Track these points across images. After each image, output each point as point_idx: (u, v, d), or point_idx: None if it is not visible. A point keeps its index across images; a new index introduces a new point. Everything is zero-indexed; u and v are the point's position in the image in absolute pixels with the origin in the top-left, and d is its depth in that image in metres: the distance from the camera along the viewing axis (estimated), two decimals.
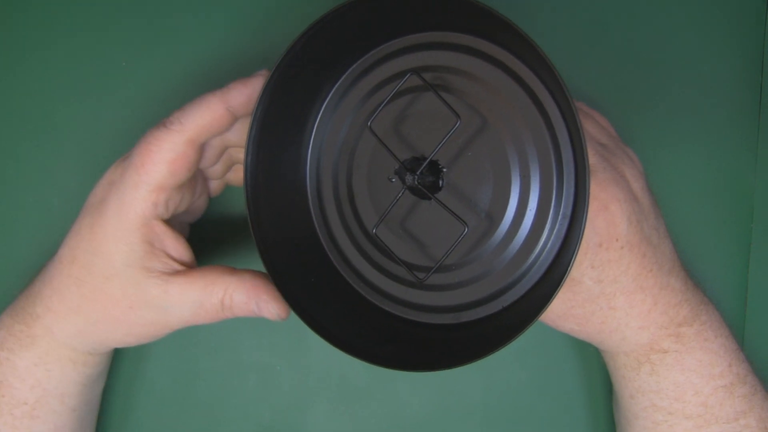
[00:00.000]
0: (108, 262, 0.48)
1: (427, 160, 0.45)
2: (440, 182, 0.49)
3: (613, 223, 0.49)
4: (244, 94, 0.47)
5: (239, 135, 0.51)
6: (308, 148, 0.52)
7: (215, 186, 0.57)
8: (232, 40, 0.61)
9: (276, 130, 0.48)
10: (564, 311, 0.52)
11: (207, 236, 0.60)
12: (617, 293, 0.50)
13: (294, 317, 0.58)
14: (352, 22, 0.45)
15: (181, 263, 0.49)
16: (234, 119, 0.48)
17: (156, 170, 0.47)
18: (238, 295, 0.48)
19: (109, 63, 0.62)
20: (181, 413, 0.62)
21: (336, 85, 0.51)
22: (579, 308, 0.51)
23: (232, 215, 0.60)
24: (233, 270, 0.49)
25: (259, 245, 0.47)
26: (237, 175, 0.56)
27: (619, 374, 0.55)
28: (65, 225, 0.52)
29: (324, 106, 0.51)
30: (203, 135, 0.47)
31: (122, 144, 0.60)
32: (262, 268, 0.47)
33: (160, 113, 0.60)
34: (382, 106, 0.46)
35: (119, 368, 0.62)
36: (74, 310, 0.50)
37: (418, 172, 0.46)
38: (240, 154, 0.54)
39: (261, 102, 0.45)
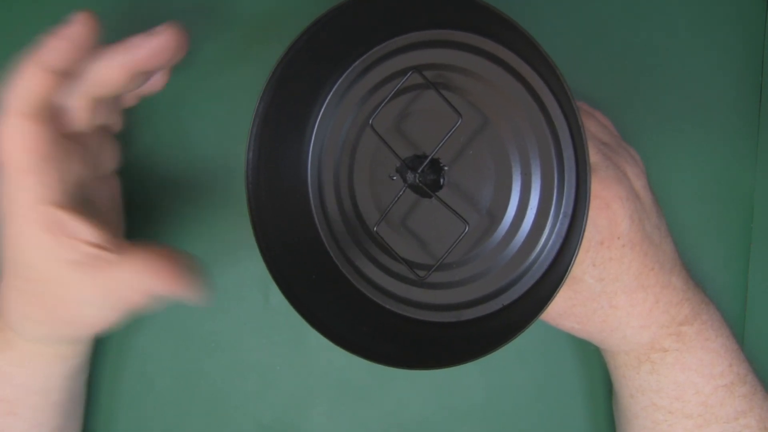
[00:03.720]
0: (29, 265, 0.46)
1: (429, 158, 0.45)
2: (441, 180, 0.49)
3: (614, 222, 0.49)
4: (58, 48, 0.44)
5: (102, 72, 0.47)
6: (309, 145, 0.52)
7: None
8: (233, 40, 0.61)
9: (277, 127, 0.48)
10: (565, 309, 0.52)
11: (207, 235, 0.60)
12: (618, 292, 0.50)
13: (294, 316, 0.58)
14: (354, 19, 0.45)
15: (98, 246, 0.46)
16: (65, 77, 0.45)
17: (14, 159, 0.44)
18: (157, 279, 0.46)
19: None
20: (181, 413, 0.62)
21: (337, 83, 0.51)
22: (580, 307, 0.51)
23: (233, 213, 0.60)
24: (147, 257, 0.46)
25: (260, 243, 0.47)
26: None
27: (620, 373, 0.55)
28: None
29: (325, 103, 0.51)
30: (38, 104, 0.44)
31: (122, 144, 0.60)
32: (263, 265, 0.46)
33: (159, 114, 0.60)
34: (384, 104, 0.47)
35: (119, 368, 0.62)
36: (26, 318, 0.49)
37: (419, 170, 0.46)
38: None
39: (263, 99, 0.45)
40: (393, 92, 0.46)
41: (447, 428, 0.62)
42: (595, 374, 0.61)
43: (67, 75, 0.45)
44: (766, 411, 0.53)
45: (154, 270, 0.45)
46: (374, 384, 0.62)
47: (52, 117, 0.45)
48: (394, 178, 0.50)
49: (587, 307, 0.51)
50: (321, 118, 0.51)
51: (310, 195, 0.52)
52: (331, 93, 0.51)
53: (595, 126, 0.54)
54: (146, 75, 0.49)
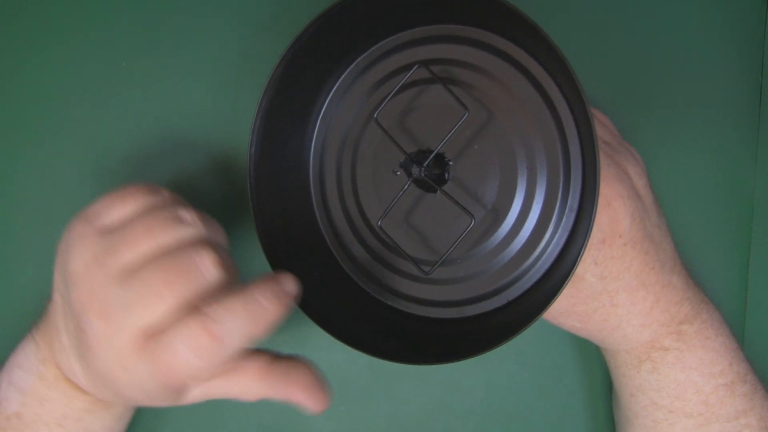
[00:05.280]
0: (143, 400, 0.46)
1: (434, 152, 0.45)
2: (446, 175, 0.49)
3: (616, 220, 0.49)
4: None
5: None
6: (312, 140, 0.52)
7: None
8: (233, 40, 0.61)
9: (280, 121, 0.48)
10: (566, 308, 0.52)
11: None
12: (620, 290, 0.50)
13: (295, 314, 0.58)
14: (360, 14, 0.45)
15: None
16: None
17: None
18: (276, 397, 0.46)
19: (109, 63, 0.62)
20: (181, 412, 0.62)
21: (341, 78, 0.51)
22: (581, 305, 0.51)
23: (235, 209, 0.60)
24: (269, 370, 0.46)
25: (262, 239, 0.47)
26: None
27: (620, 372, 0.55)
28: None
29: (329, 98, 0.51)
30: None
31: (122, 144, 0.60)
32: (265, 262, 0.46)
33: (160, 113, 0.60)
34: (389, 97, 0.47)
35: None
36: (99, 393, 0.49)
37: (425, 164, 0.46)
38: None
39: (266, 93, 0.45)
40: (399, 86, 0.46)
41: (447, 428, 0.62)
42: (595, 374, 0.61)
43: None
44: (766, 410, 0.53)
45: (268, 382, 0.46)
46: (375, 383, 0.62)
47: None
48: (398, 173, 0.50)
49: (588, 305, 0.51)
50: (324, 112, 0.51)
51: (312, 190, 0.52)
52: (335, 88, 0.51)
53: (596, 125, 0.54)
54: None
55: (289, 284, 0.44)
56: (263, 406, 0.62)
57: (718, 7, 0.59)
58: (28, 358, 0.51)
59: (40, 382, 0.50)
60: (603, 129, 0.54)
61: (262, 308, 0.42)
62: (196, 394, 0.46)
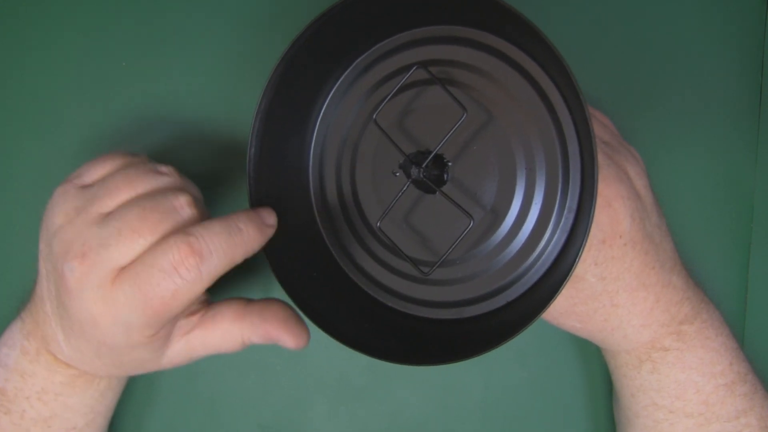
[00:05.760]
0: (124, 351, 0.46)
1: (433, 153, 0.45)
2: (445, 176, 0.49)
3: (616, 220, 0.49)
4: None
5: None
6: (311, 141, 0.52)
7: None
8: (233, 40, 0.61)
9: (279, 122, 0.48)
10: (566, 308, 0.52)
11: None
12: (620, 290, 0.50)
13: None
14: (360, 14, 0.45)
15: (195, 311, 0.48)
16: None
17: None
18: (255, 338, 0.48)
19: (109, 63, 0.62)
20: (181, 412, 0.62)
21: (341, 78, 0.51)
22: (582, 305, 0.51)
23: (235, 210, 0.60)
24: (245, 311, 0.48)
25: None
26: None
27: (620, 373, 0.55)
28: None
29: (328, 99, 0.51)
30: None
31: (122, 144, 0.60)
32: (264, 263, 0.46)
33: (160, 113, 0.60)
34: (388, 98, 0.47)
35: None
36: (108, 371, 0.50)
37: (423, 165, 0.46)
38: None
39: (266, 94, 0.45)
40: (397, 87, 0.46)
41: (447, 428, 0.62)
42: (595, 374, 0.61)
43: None
44: (766, 410, 0.53)
45: (249, 323, 0.48)
46: (374, 384, 0.62)
47: None
48: (397, 174, 0.50)
49: (589, 305, 0.51)
50: (324, 113, 0.51)
51: (312, 191, 0.52)
52: (335, 89, 0.51)
53: (596, 125, 0.54)
54: None
55: (268, 216, 0.46)
56: (263, 406, 0.62)
57: (718, 7, 0.59)
58: (13, 334, 0.52)
59: (22, 356, 0.50)
60: (603, 129, 0.54)
61: (241, 231, 0.44)
62: (179, 348, 0.48)
